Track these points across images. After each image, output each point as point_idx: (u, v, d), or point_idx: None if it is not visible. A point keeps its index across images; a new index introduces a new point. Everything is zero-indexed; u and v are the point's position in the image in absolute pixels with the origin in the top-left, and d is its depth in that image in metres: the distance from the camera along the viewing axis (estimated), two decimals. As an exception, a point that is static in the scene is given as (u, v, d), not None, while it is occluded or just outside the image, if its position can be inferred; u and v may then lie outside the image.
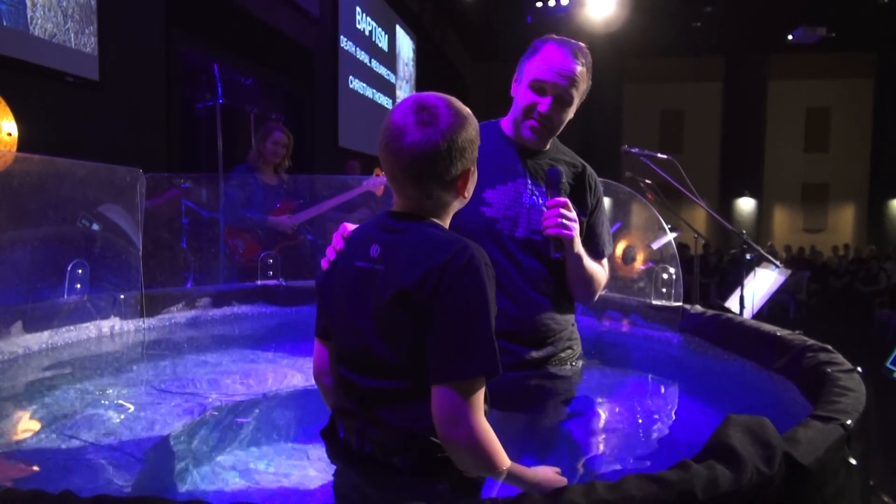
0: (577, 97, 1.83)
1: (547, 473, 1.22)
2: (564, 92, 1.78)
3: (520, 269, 1.79)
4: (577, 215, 1.88)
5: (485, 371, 1.10)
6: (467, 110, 1.21)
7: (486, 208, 1.79)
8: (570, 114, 1.86)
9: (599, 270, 1.89)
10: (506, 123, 1.92)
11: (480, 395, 1.10)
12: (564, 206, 1.71)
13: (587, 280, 1.84)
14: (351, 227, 1.32)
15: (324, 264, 1.30)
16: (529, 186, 1.83)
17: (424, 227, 1.18)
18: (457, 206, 1.26)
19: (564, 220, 1.69)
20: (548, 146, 1.92)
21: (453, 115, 1.17)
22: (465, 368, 1.08)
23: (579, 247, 1.76)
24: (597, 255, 1.92)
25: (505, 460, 1.12)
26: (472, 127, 1.20)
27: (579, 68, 1.78)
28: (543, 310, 1.82)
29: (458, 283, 1.09)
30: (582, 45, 1.84)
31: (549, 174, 1.75)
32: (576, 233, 1.72)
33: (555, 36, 1.85)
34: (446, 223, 1.25)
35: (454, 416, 1.08)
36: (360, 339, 1.18)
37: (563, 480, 1.22)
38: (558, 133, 1.90)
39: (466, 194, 1.24)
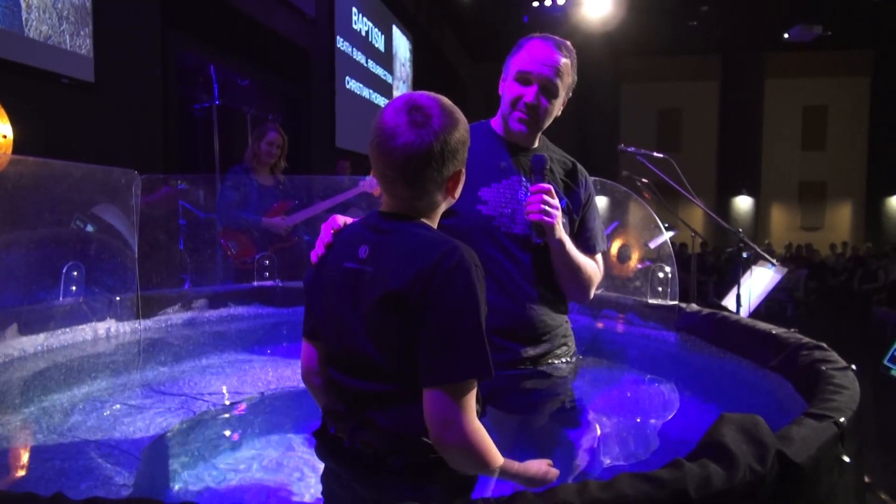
0: (563, 90, 1.85)
1: (539, 466, 1.24)
2: (549, 82, 1.81)
3: (517, 265, 1.80)
4: (571, 212, 1.89)
5: (476, 373, 1.09)
6: (458, 111, 1.21)
7: (482, 206, 1.80)
8: (557, 108, 1.88)
9: (589, 263, 1.88)
10: (495, 122, 1.94)
11: (472, 396, 1.10)
12: (548, 192, 1.72)
13: (574, 270, 1.83)
14: (341, 219, 1.31)
15: (313, 257, 1.30)
16: (524, 183, 1.84)
17: (414, 227, 1.18)
18: (445, 206, 1.26)
19: (547, 207, 1.70)
20: (537, 143, 1.93)
21: (446, 115, 1.17)
22: (456, 371, 1.08)
23: (561, 233, 1.77)
24: (588, 250, 1.92)
25: (498, 458, 1.13)
26: (464, 127, 1.20)
27: (563, 60, 1.82)
28: (539, 306, 1.83)
29: (449, 285, 1.08)
30: (566, 41, 1.87)
31: (534, 160, 1.77)
32: (558, 220, 1.73)
33: (539, 33, 1.87)
34: (435, 223, 1.24)
35: (446, 418, 1.08)
36: (350, 341, 1.17)
37: (556, 472, 1.24)
38: (545, 127, 1.91)
39: (456, 195, 1.24)
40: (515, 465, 1.18)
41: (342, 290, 1.19)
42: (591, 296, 1.94)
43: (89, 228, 3.01)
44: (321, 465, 1.32)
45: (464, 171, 1.23)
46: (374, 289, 1.14)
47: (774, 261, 4.15)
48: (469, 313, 1.09)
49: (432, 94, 1.20)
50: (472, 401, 1.10)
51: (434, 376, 1.09)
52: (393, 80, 12.50)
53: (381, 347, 1.14)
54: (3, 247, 2.64)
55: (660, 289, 3.03)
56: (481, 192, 1.80)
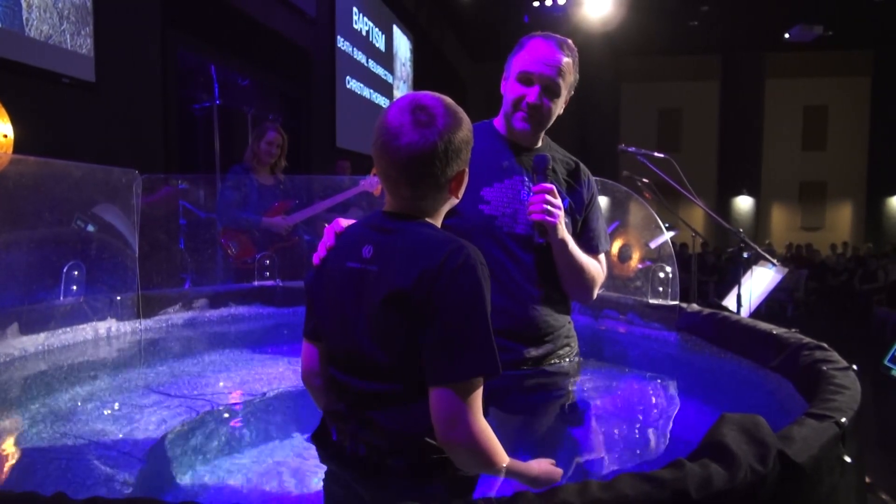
0: (565, 89, 1.85)
1: (543, 466, 1.24)
2: (551, 81, 1.80)
3: (519, 265, 1.80)
4: (573, 212, 1.89)
5: (483, 371, 1.09)
6: (462, 111, 1.21)
7: (484, 206, 1.80)
8: (559, 107, 1.88)
9: (592, 263, 1.88)
10: (498, 122, 1.94)
11: (479, 394, 1.10)
12: (550, 192, 1.72)
13: (577, 270, 1.83)
14: (345, 222, 1.30)
15: (315, 260, 1.29)
16: (526, 183, 1.84)
17: (418, 227, 1.18)
18: (449, 206, 1.26)
19: (549, 207, 1.70)
20: (540, 143, 1.93)
21: (450, 115, 1.17)
22: (463, 369, 1.08)
23: (564, 233, 1.77)
24: (591, 250, 1.92)
25: (504, 457, 1.13)
26: (467, 127, 1.20)
27: (565, 59, 1.81)
28: (542, 306, 1.82)
29: (455, 284, 1.08)
30: (567, 39, 1.86)
31: (536, 160, 1.77)
32: (560, 220, 1.73)
33: (540, 32, 1.87)
34: (439, 222, 1.24)
35: (453, 417, 1.08)
36: (353, 341, 1.17)
37: (559, 471, 1.25)
38: (548, 127, 1.90)
39: (459, 194, 1.24)
40: (519, 465, 1.18)
41: (345, 290, 1.19)
42: (595, 296, 1.93)
43: (90, 228, 3.01)
44: (322, 466, 1.32)
45: (467, 170, 1.23)
46: (378, 288, 1.14)
47: (775, 261, 4.15)
48: (475, 312, 1.09)
49: (436, 94, 1.20)
50: (478, 399, 1.10)
51: (440, 375, 1.09)
52: (393, 79, 12.50)
53: (384, 347, 1.14)
54: (4, 247, 2.64)
55: (660, 289, 3.03)
56: (483, 192, 1.80)
